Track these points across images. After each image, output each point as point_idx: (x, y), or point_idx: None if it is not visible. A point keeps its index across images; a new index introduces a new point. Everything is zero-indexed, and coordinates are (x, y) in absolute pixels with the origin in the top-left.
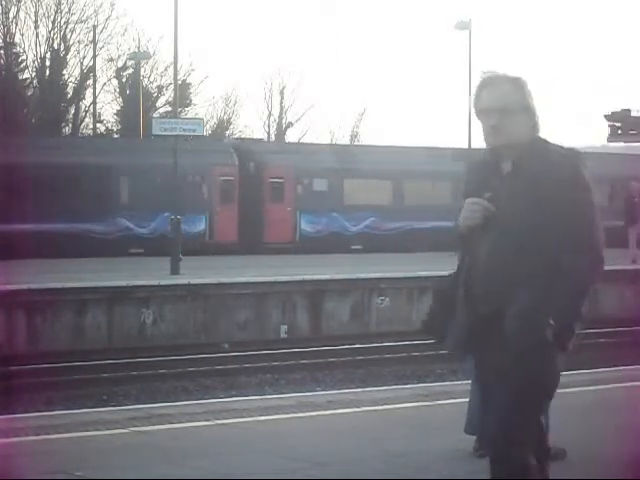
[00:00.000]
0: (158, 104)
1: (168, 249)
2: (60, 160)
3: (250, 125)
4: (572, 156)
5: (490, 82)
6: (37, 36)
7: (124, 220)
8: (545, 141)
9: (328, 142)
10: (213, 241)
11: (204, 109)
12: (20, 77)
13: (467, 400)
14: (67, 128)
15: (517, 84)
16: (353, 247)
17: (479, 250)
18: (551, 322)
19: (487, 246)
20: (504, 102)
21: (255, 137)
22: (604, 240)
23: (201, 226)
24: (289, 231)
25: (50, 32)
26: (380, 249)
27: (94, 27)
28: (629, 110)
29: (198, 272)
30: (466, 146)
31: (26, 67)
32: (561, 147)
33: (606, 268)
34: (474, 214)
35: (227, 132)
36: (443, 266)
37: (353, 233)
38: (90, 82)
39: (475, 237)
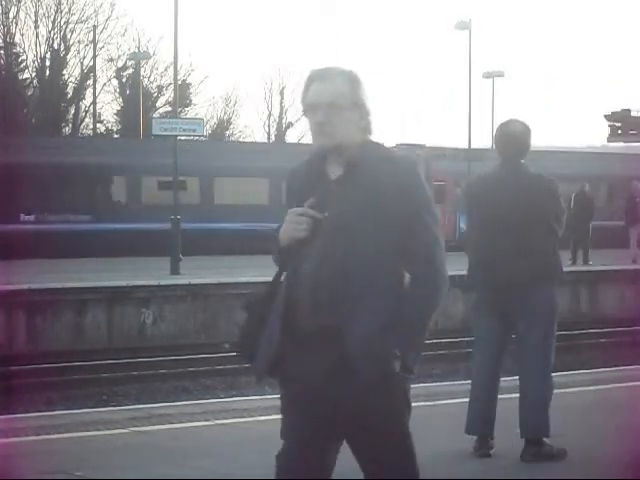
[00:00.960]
0: (158, 104)
1: None
2: None
3: (250, 125)
4: (410, 161)
5: (319, 75)
6: (37, 36)
7: None
8: (379, 144)
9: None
10: None
11: (204, 109)
12: (20, 77)
13: (467, 400)
14: (67, 128)
15: (349, 78)
16: None
17: (304, 262)
18: (397, 353)
19: (315, 258)
20: (333, 97)
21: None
22: (446, 256)
23: None
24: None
25: (50, 32)
26: None
27: (94, 27)
28: (629, 110)
29: (198, 272)
30: (466, 146)
31: (26, 67)
32: (397, 152)
33: (606, 268)
34: (299, 226)
35: (227, 132)
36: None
37: None
38: (90, 82)
39: (299, 248)
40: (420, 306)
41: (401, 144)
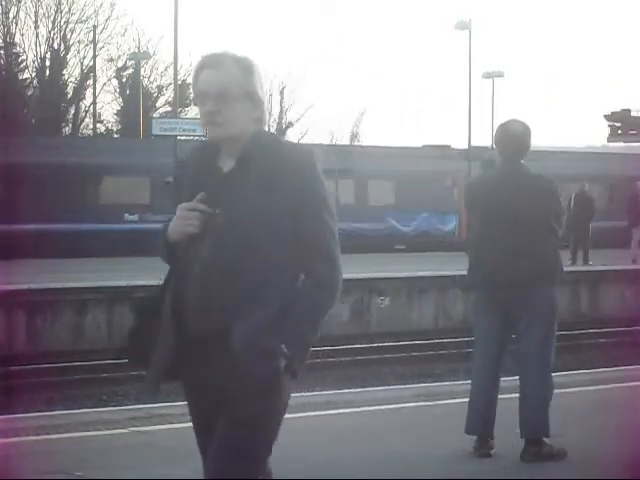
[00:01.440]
0: (158, 104)
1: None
2: None
3: None
4: (308, 154)
5: (211, 62)
6: (37, 36)
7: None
8: (274, 135)
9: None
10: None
11: None
12: (20, 77)
13: (467, 400)
14: (67, 128)
15: (243, 65)
16: None
17: (193, 260)
18: (284, 349)
19: (204, 255)
20: (223, 85)
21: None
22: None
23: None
24: None
25: (50, 32)
26: None
27: (94, 27)
28: (629, 110)
29: None
30: (466, 146)
31: (26, 67)
32: (294, 144)
33: (606, 268)
34: (189, 221)
35: None
36: (444, 266)
37: None
38: (90, 82)
39: (189, 245)
40: (314, 305)
41: (426, 145)
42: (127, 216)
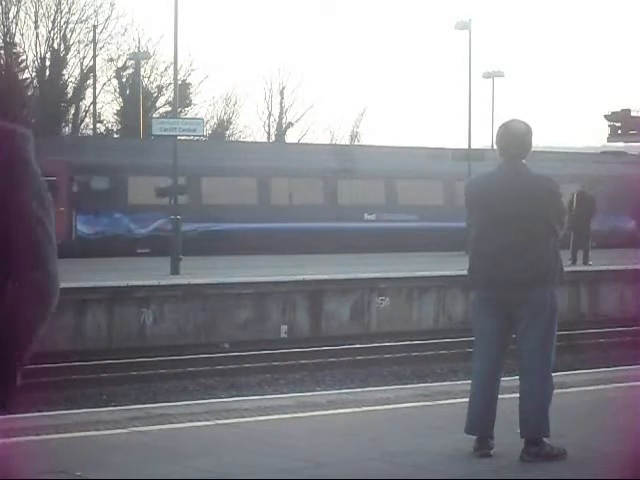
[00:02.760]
0: (158, 104)
1: None
2: None
3: (250, 125)
4: (17, 135)
5: None
6: (37, 36)
7: None
8: None
9: (327, 142)
10: None
11: (204, 109)
12: (20, 77)
13: (467, 400)
14: (67, 128)
15: None
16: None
17: None
18: None
19: None
20: None
21: None
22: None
23: None
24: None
25: (50, 32)
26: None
27: (94, 27)
28: (629, 110)
29: (198, 272)
30: (466, 146)
31: (26, 67)
32: (10, 125)
33: (606, 268)
34: None
35: (227, 132)
36: (444, 266)
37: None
38: (90, 82)
39: None
40: (25, 319)
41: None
42: (366, 216)
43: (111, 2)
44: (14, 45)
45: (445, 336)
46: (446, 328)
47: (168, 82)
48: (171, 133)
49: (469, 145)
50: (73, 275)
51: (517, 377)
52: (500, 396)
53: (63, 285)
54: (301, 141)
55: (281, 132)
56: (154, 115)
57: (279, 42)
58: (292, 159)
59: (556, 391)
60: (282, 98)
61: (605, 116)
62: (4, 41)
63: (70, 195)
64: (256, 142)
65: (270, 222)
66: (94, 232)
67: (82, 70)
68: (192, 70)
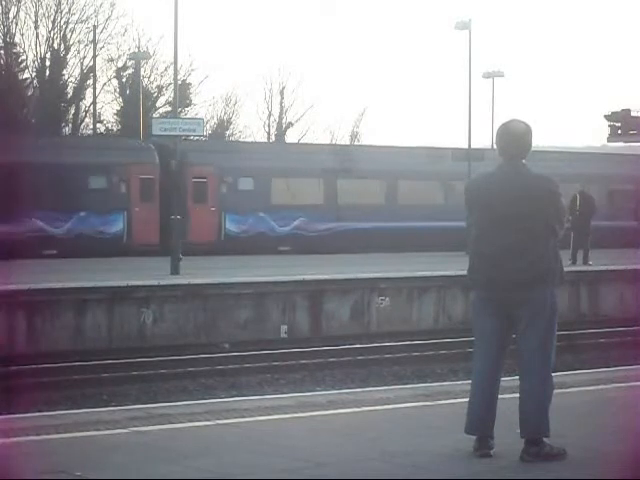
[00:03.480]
0: (158, 104)
1: None
2: None
3: (250, 125)
4: None
5: None
6: (37, 36)
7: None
8: None
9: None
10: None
11: (204, 109)
12: (20, 77)
13: (467, 400)
14: (67, 128)
15: None
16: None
17: None
18: None
19: None
20: None
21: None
22: None
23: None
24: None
25: (50, 32)
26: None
27: (94, 27)
28: (629, 110)
29: (198, 272)
30: (466, 146)
31: (26, 67)
32: None
33: (606, 268)
34: None
35: (227, 132)
36: (443, 266)
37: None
38: (90, 82)
39: None
40: None
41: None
42: None
43: (111, 2)
44: (14, 45)
45: (445, 336)
46: (446, 328)
47: (168, 82)
48: (171, 133)
49: (469, 145)
50: (73, 275)
51: (517, 377)
52: (500, 396)
53: (63, 285)
54: (301, 141)
55: (281, 132)
56: (154, 115)
57: (279, 42)
58: (416, 162)
59: (556, 391)
60: (282, 98)
61: (605, 116)
62: (4, 41)
63: (220, 196)
64: (383, 146)
65: (398, 222)
66: (241, 231)
67: (82, 70)
68: (192, 70)
